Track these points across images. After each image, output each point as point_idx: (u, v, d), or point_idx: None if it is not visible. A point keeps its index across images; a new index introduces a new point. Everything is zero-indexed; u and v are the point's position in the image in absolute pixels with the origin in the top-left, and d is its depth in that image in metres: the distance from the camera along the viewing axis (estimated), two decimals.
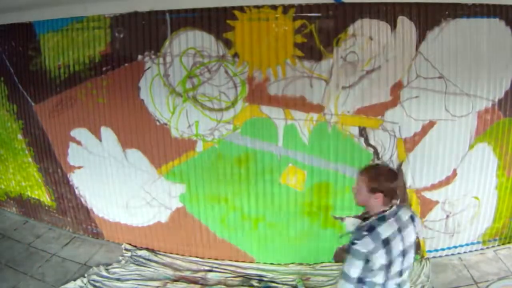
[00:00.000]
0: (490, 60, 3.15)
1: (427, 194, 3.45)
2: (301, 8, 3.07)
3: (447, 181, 3.41)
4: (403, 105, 3.19)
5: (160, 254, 3.92)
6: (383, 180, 1.78)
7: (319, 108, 3.24)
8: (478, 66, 3.15)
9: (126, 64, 3.48)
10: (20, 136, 4.28)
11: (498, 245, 3.68)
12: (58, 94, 3.83)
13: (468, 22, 3.06)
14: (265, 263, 3.75)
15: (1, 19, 3.92)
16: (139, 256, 3.88)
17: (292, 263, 3.71)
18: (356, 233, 1.80)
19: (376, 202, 1.80)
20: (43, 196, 4.43)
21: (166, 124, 3.53)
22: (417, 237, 1.96)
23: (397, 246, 1.77)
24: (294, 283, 3.48)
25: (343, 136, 3.27)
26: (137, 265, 3.74)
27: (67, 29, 3.63)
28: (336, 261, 3.66)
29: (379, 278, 1.79)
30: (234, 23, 3.17)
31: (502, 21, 3.09)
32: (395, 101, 3.19)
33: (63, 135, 3.94)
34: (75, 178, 4.06)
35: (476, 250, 3.66)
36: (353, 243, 1.74)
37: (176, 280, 3.56)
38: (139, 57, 3.42)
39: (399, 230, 1.79)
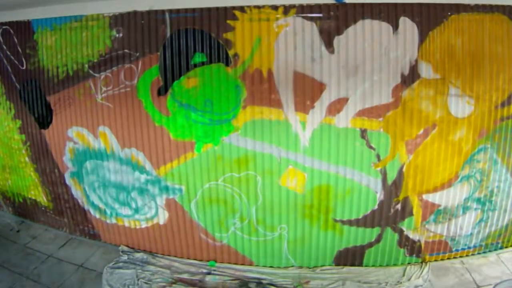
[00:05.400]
0: (492, 61, 3.12)
1: (429, 197, 3.42)
2: (302, 8, 3.05)
3: (449, 184, 3.38)
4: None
5: (158, 256, 3.88)
6: None
7: (319, 110, 3.21)
8: (480, 67, 3.12)
9: (125, 64, 3.45)
10: (17, 136, 4.24)
11: (501, 248, 3.65)
12: (56, 94, 3.79)
13: (470, 21, 3.04)
14: (264, 266, 3.71)
15: None
16: (137, 259, 3.84)
17: (292, 266, 3.67)
18: None
19: None
20: (40, 196, 4.38)
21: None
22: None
23: None
24: (293, 286, 3.44)
25: (344, 138, 3.24)
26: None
27: (65, 28, 3.59)
28: (337, 265, 3.63)
29: None
30: (235, 23, 3.14)
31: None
32: (396, 102, 3.16)
33: (61, 135, 3.90)
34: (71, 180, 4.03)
35: (478, 253, 3.62)
36: None
37: (174, 282, 3.52)
38: (138, 56, 3.39)
39: None
